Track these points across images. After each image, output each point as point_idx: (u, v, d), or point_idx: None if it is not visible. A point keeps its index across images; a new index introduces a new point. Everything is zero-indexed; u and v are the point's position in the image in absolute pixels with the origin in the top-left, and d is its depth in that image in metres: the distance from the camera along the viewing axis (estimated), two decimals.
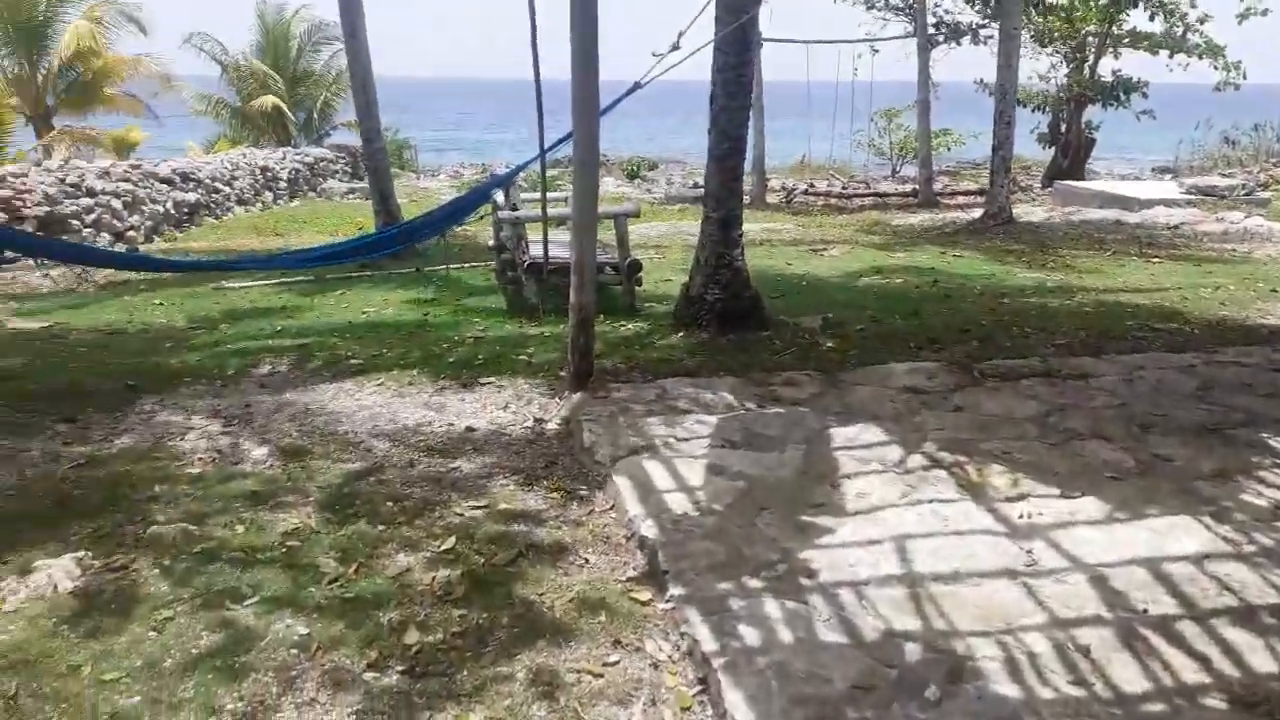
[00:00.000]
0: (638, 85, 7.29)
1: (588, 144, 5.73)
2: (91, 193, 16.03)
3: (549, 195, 7.26)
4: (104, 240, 15.80)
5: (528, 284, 8.39)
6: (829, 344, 7.31)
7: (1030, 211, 17.70)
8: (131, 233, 16.51)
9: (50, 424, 5.96)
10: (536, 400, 6.22)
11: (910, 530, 4.06)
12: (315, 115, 28.73)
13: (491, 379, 6.64)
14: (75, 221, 15.39)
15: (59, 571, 3.92)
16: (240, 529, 4.40)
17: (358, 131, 17.03)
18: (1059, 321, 8.15)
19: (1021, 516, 4.17)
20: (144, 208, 17.10)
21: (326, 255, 7.86)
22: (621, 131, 47.97)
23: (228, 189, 20.65)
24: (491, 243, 9.57)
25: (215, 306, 9.54)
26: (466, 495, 4.76)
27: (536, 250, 8.12)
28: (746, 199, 12.21)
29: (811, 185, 24.44)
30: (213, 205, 19.75)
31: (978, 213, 17.00)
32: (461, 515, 4.52)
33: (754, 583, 3.65)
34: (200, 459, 5.30)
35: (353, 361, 7.14)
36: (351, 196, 23.74)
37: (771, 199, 21.96)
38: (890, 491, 4.48)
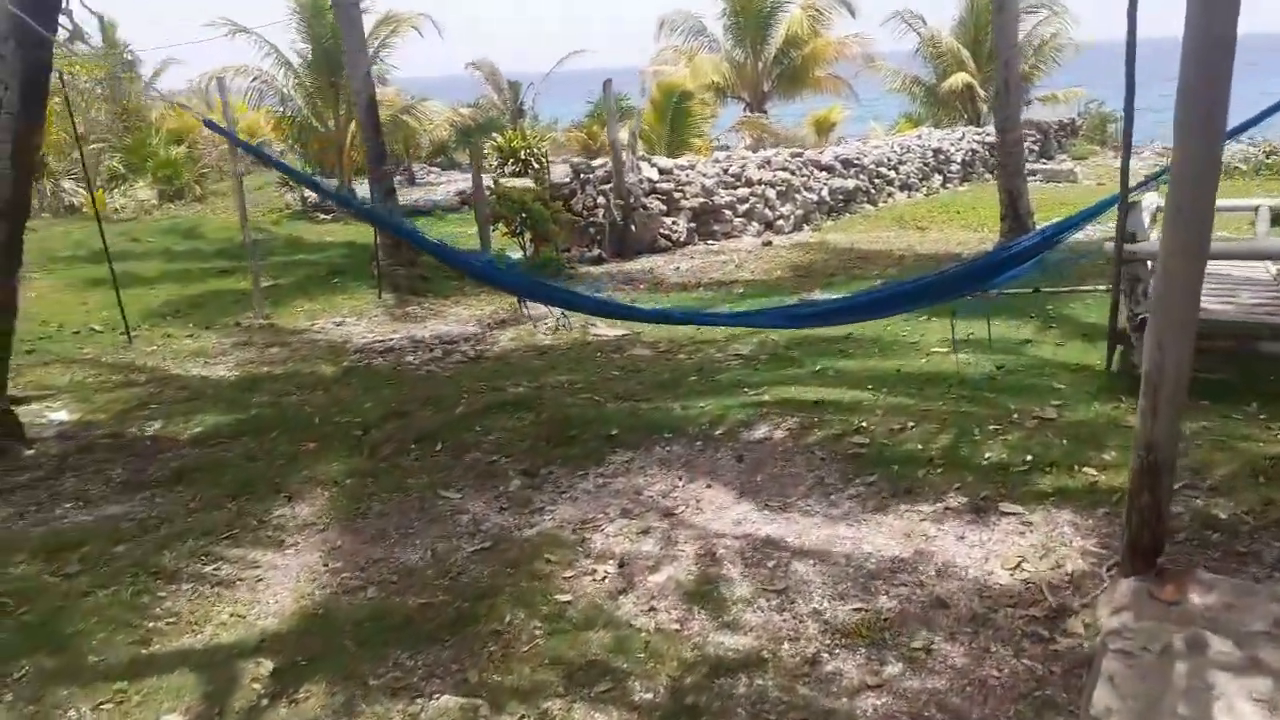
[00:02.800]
0: None
1: None
2: (749, 183, 16.27)
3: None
4: (753, 229, 15.96)
5: (1138, 346, 5.81)
6: None
7: None
8: (780, 221, 16.45)
9: (514, 472, 5.41)
10: (1073, 563, 3.96)
11: None
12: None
13: (1019, 507, 4.49)
14: (728, 211, 15.72)
15: None
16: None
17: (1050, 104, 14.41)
18: None
19: None
20: (797, 196, 16.93)
21: (837, 310, 6.14)
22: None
23: (892, 174, 19.73)
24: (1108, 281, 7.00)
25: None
26: None
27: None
28: None
29: None
30: (872, 191, 18.99)
31: None
32: None
33: None
34: (590, 580, 4.19)
35: (854, 440, 5.48)
36: (1034, 179, 21.22)
37: None
38: None
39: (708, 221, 15.33)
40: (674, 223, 14.53)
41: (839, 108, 28.68)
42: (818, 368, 7.14)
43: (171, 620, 4.00)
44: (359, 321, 9.72)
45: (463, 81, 30.91)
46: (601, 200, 13.95)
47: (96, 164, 27.33)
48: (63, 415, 6.65)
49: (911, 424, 5.62)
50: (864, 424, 5.81)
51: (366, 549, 4.58)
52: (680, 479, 5.26)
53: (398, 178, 28.41)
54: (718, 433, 5.83)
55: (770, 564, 4.23)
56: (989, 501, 4.66)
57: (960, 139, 22.24)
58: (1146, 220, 5.97)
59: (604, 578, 4.17)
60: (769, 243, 14.49)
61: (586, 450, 5.67)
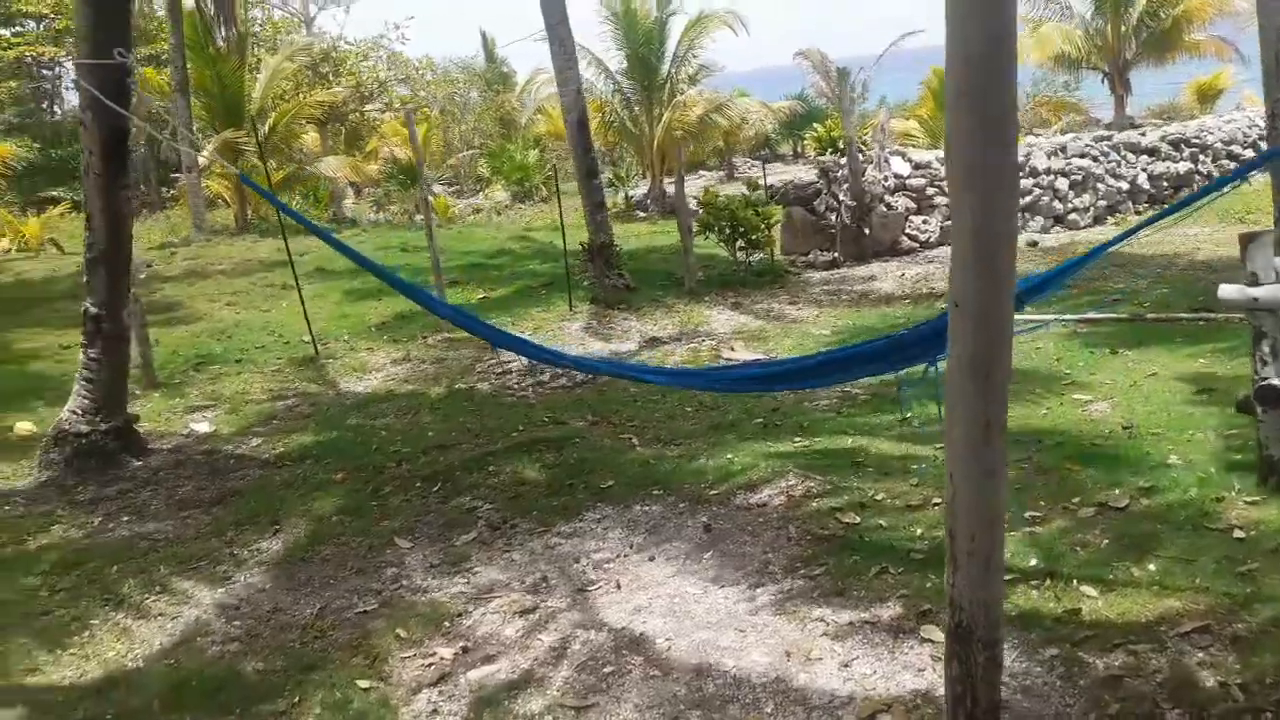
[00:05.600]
0: None
1: None
2: (1034, 173, 14.48)
3: None
4: (1035, 225, 14.19)
5: (1262, 422, 4.38)
6: None
7: None
8: (1073, 215, 14.49)
9: (484, 523, 5.24)
10: None
11: None
12: None
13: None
14: None
15: None
16: None
17: None
18: None
19: None
20: (1099, 186, 14.80)
21: (771, 376, 5.00)
22: None
23: (1249, 153, 16.50)
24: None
25: None
26: None
27: None
28: None
29: None
30: (1213, 177, 16.02)
31: None
32: None
33: None
34: (417, 665, 3.97)
35: (845, 518, 4.69)
36: None
37: None
38: None
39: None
40: (924, 222, 13.30)
41: (1224, 73, 24.74)
42: (909, 416, 6.20)
43: (73, 651, 4.36)
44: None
45: (792, 73, 30.44)
46: (840, 200, 13.11)
47: (471, 169, 30.48)
48: (204, 427, 7.50)
49: (936, 503, 4.71)
50: (878, 497, 4.98)
51: (280, 596, 4.68)
52: (630, 548, 4.83)
53: (719, 172, 28.89)
54: (713, 493, 5.29)
55: (607, 670, 3.76)
56: (921, 621, 3.80)
57: None
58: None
59: (430, 665, 3.93)
60: (1034, 243, 12.80)
61: (571, 503, 5.39)
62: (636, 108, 23.09)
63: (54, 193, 27.67)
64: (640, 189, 24.37)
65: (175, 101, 18.37)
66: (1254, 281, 4.41)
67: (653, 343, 9.30)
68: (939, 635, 3.65)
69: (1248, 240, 4.46)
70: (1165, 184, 15.53)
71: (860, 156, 12.86)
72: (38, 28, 28.35)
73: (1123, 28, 23.84)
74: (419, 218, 20.91)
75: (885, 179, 13.19)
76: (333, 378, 8.68)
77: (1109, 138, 15.45)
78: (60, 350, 9.52)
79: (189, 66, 18.71)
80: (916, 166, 13.64)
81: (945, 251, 12.80)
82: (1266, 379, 4.42)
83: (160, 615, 4.60)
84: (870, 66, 27.74)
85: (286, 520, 5.53)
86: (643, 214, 22.41)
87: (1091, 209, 14.68)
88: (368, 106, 28.38)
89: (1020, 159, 14.52)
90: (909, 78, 25.50)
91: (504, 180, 27.30)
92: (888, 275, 11.75)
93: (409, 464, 6.20)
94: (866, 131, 21.68)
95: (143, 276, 13.12)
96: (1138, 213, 15.03)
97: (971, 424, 2.59)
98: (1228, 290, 4.52)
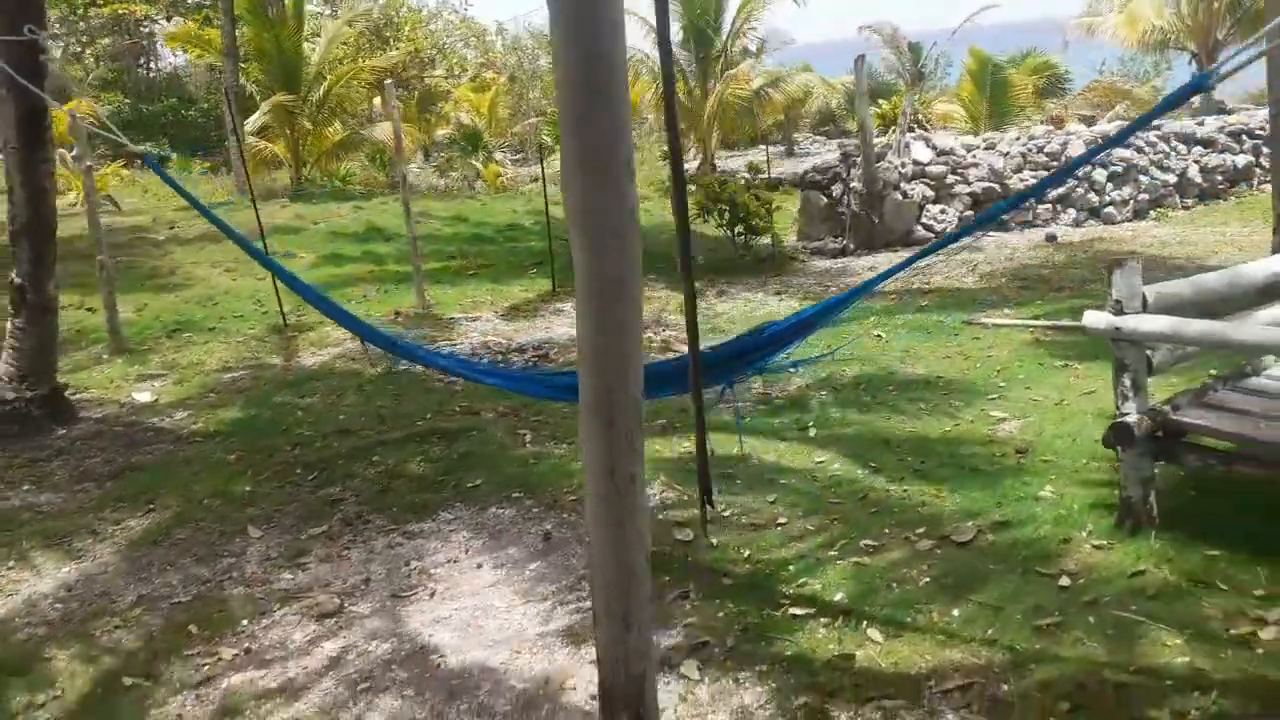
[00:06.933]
0: None
1: None
2: (1070, 163, 13.77)
3: None
4: (1068, 217, 13.53)
5: (1124, 461, 4.04)
6: None
7: None
8: (1110, 209, 13.76)
9: (340, 517, 5.19)
10: None
11: None
12: None
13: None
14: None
15: None
16: None
17: None
18: None
19: None
20: (1140, 178, 14.01)
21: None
22: None
23: None
24: None
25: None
26: None
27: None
28: None
29: None
30: None
31: None
32: None
33: None
34: (198, 662, 3.96)
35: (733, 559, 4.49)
36: None
37: None
38: None
39: (986, 203, 13.27)
40: (942, 211, 12.78)
41: None
42: (837, 419, 6.00)
43: None
44: (506, 318, 9.88)
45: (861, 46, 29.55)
46: (854, 186, 12.68)
47: (535, 137, 30.50)
48: (145, 396, 7.63)
49: (781, 522, 4.51)
50: (727, 513, 4.79)
51: (115, 580, 4.71)
52: (466, 553, 4.74)
53: (778, 147, 28.29)
54: (571, 499, 5.15)
55: (364, 686, 3.68)
56: (689, 655, 3.63)
57: None
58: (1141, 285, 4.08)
59: (205, 666, 3.89)
60: (1053, 237, 12.19)
61: (433, 500, 5.31)
62: (691, 80, 22.71)
63: (144, 147, 28.85)
64: (693, 163, 24.05)
65: (225, 65, 18.76)
66: (1118, 310, 4.06)
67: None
68: (695, 673, 3.50)
69: (1114, 266, 4.10)
70: (1220, 178, 14.65)
71: (885, 140, 12.41)
72: None
73: (1215, 4, 22.50)
74: (479, 184, 21.05)
75: (903, 165, 12.70)
76: (292, 350, 8.75)
77: (1158, 127, 14.59)
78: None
79: (249, 30, 19.10)
80: (940, 153, 13.10)
81: (968, 241, 12.32)
82: (1126, 415, 4.08)
83: (1, 590, 4.69)
84: (944, 41, 26.74)
85: (163, 499, 5.58)
86: (693, 189, 22.08)
87: (1132, 202, 13.92)
88: (433, 72, 28.61)
89: (1057, 147, 13.86)
90: (989, 51, 24.51)
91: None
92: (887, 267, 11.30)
93: (302, 448, 6.20)
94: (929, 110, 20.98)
95: (162, 238, 13.49)
96: (1185, 207, 14.22)
97: (600, 473, 2.43)
98: (1093, 317, 4.18)
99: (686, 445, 5.79)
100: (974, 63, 16.53)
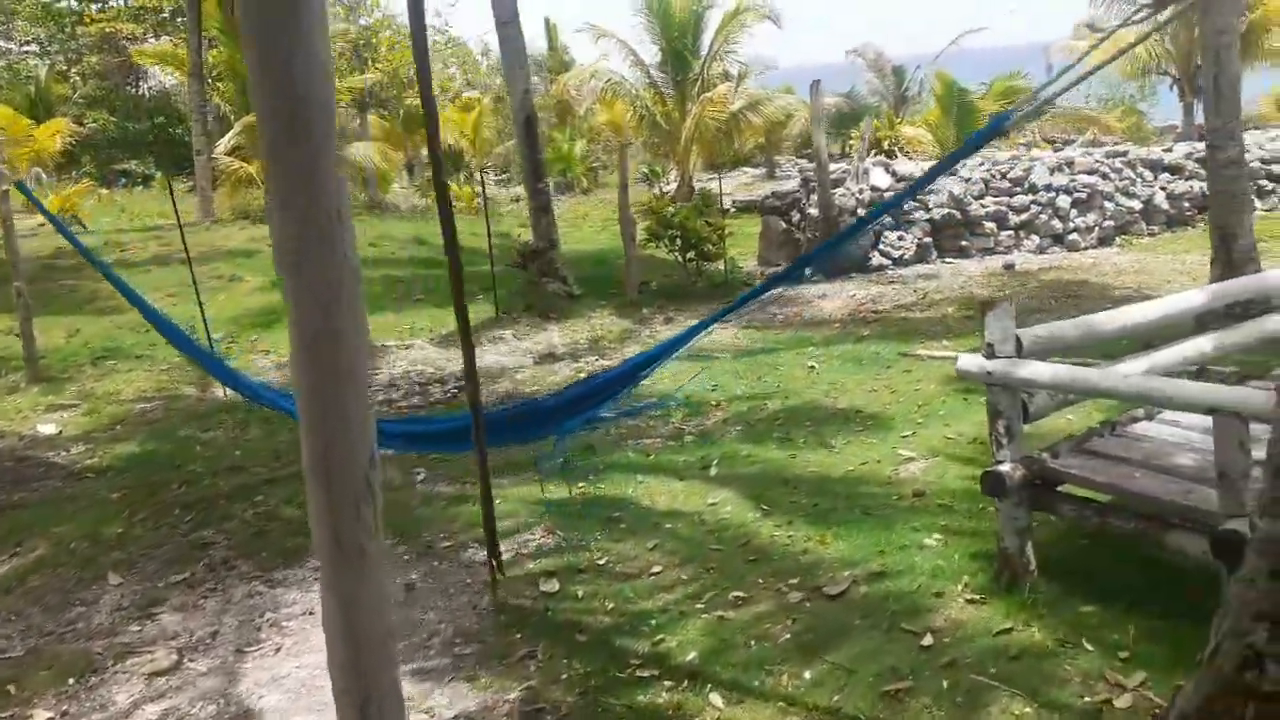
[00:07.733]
0: None
1: None
2: (1033, 188, 13.58)
3: None
4: (1030, 244, 13.34)
5: (1000, 510, 3.80)
6: None
7: None
8: (1074, 236, 13.57)
9: (207, 563, 4.95)
10: None
11: None
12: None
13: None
14: (989, 224, 13.29)
15: None
16: None
17: None
18: None
19: None
20: (1106, 205, 13.83)
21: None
22: None
23: None
24: None
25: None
26: None
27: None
28: None
29: None
30: (1267, 194, 14.62)
31: None
32: None
33: None
34: None
35: (597, 609, 4.26)
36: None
37: None
38: None
39: (955, 236, 13.09)
40: (899, 238, 12.59)
41: None
42: (744, 455, 5.77)
43: None
44: (440, 345, 9.66)
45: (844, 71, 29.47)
46: (811, 213, 12.51)
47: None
48: (49, 429, 7.41)
49: (655, 570, 4.28)
50: (603, 561, 4.57)
51: None
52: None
53: (759, 169, 28.17)
54: (445, 545, 4.92)
55: None
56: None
57: None
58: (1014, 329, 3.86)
59: None
60: (1010, 265, 11.99)
61: (304, 545, 5.02)
62: (669, 102, 22.63)
63: (128, 165, 28.70)
64: (671, 185, 23.91)
65: (190, 86, 18.65)
66: (990, 354, 3.84)
67: (548, 359, 8.92)
68: None
69: (986, 308, 3.88)
70: (1187, 204, 14.45)
71: (843, 168, 12.25)
72: (122, 2, 29.29)
73: (1195, 30, 22.42)
74: (458, 204, 20.87)
75: (860, 191, 12.52)
76: (208, 381, 8.51)
77: (1124, 153, 14.45)
78: None
79: (224, 50, 19.02)
80: (898, 179, 12.93)
81: (916, 270, 12.18)
82: (999, 464, 3.85)
83: None
84: (927, 64, 26.62)
85: (31, 542, 5.35)
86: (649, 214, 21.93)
87: (1097, 229, 13.72)
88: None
89: (1020, 174, 13.68)
90: (973, 76, 24.36)
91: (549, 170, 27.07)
92: (840, 294, 11.12)
93: (189, 486, 5.97)
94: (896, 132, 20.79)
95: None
96: (1151, 234, 14.03)
97: (326, 542, 2.19)
98: (965, 361, 3.96)
99: (581, 484, 5.57)
100: (940, 87, 16.40)
